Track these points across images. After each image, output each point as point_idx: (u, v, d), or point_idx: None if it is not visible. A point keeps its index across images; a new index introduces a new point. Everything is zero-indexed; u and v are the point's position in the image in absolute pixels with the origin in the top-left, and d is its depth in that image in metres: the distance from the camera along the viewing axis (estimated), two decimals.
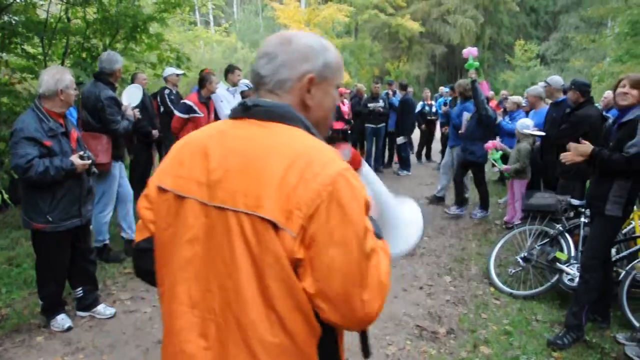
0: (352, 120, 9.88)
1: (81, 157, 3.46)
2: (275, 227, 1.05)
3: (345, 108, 9.79)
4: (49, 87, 3.42)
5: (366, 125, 9.90)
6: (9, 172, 5.32)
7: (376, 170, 10.33)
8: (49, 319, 3.59)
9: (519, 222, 5.48)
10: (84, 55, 7.79)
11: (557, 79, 5.93)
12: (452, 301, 4.34)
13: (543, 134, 5.97)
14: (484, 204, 7.07)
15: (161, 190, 1.22)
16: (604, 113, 5.64)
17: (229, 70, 6.80)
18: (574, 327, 3.57)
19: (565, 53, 28.28)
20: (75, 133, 3.64)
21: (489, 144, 6.50)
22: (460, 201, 7.19)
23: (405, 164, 10.27)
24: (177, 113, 6.11)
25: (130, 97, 5.16)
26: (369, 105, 9.71)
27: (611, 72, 15.94)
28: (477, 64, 6.53)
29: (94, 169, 3.68)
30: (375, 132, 9.89)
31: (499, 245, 5.00)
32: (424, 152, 12.08)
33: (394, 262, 5.17)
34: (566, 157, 3.58)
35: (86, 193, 3.61)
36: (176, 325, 1.18)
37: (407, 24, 30.16)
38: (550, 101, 6.22)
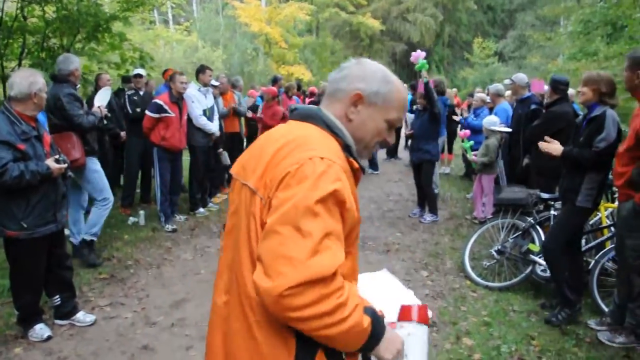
0: None
1: (57, 161, 3.37)
2: (254, 193, 1.30)
3: None
4: (21, 90, 3.31)
5: None
6: None
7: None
8: (26, 329, 3.47)
9: (491, 216, 5.63)
10: (43, 55, 7.53)
11: (521, 77, 6.11)
12: (431, 295, 4.43)
13: (509, 130, 6.16)
14: (433, 207, 6.84)
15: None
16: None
17: (200, 70, 6.74)
18: (565, 304, 3.80)
19: (522, 50, 29.10)
20: (48, 136, 3.56)
21: (462, 133, 6.77)
22: (433, 207, 6.87)
23: (373, 163, 10.37)
24: (148, 113, 6.01)
25: (101, 99, 5.11)
26: None
27: (567, 70, 16.51)
28: (426, 65, 6.56)
29: (70, 173, 3.61)
30: None
31: (472, 239, 5.12)
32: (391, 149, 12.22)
33: (371, 259, 5.24)
34: (543, 147, 3.77)
35: (61, 198, 3.50)
36: (217, 283, 1.45)
37: (368, 22, 30.37)
38: (513, 98, 6.41)
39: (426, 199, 6.89)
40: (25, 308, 3.47)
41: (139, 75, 7.06)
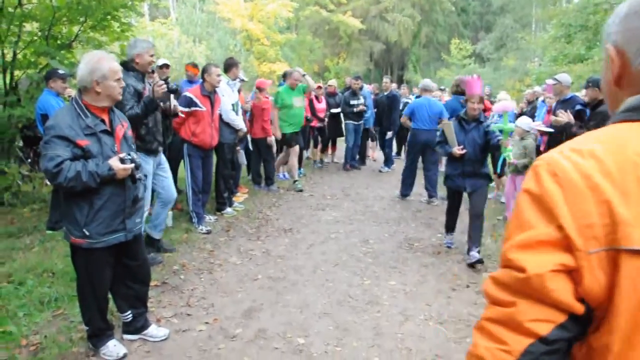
0: (325, 118, 9.69)
1: (122, 160, 2.90)
2: None
3: (322, 105, 9.53)
4: (83, 78, 2.89)
5: (346, 122, 9.73)
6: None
7: (354, 167, 10.19)
8: (97, 346, 3.07)
9: None
10: (46, 43, 6.98)
11: (565, 77, 6.01)
12: None
13: (552, 130, 6.04)
14: (477, 239, 5.16)
15: (633, 252, 0.83)
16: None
17: (233, 63, 6.37)
18: None
19: (500, 52, 29.59)
20: (121, 130, 3.09)
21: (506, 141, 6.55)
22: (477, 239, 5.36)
23: (388, 160, 10.19)
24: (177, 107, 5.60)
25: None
26: (351, 102, 9.51)
27: (548, 73, 16.79)
28: None
29: (140, 175, 3.07)
30: (356, 129, 9.74)
31: None
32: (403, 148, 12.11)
33: (425, 262, 5.02)
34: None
35: (131, 203, 3.03)
36: None
37: (348, 20, 30.27)
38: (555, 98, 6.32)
39: (473, 229, 5.10)
40: (94, 323, 3.08)
41: (166, 66, 6.62)
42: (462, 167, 5.12)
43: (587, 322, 0.88)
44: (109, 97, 2.97)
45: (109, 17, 7.48)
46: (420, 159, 7.86)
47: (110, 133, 2.99)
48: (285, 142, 8.12)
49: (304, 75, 7.99)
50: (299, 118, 8.07)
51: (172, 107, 4.77)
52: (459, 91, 7.67)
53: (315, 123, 9.79)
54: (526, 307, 0.87)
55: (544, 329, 0.85)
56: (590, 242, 0.83)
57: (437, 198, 7.64)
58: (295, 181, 8.27)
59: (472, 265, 4.93)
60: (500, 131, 5.09)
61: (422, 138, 7.51)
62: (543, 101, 8.36)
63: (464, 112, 5.20)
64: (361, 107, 9.43)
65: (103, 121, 2.96)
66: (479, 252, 4.99)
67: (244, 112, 7.08)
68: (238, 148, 6.97)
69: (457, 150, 5.02)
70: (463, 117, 5.18)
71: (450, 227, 5.66)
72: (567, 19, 18.59)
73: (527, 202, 0.91)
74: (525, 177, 0.95)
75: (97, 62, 2.91)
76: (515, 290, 0.89)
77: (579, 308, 0.85)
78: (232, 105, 6.29)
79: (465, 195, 5.32)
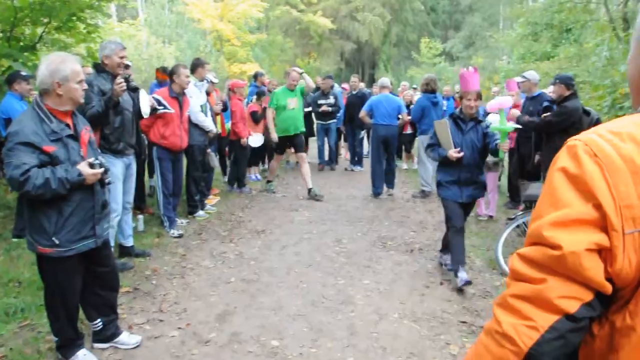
0: None
1: (91, 165, 2.82)
2: None
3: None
4: (43, 80, 2.79)
5: (316, 122, 9.74)
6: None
7: (329, 166, 10.20)
8: (67, 356, 2.99)
9: (520, 212, 5.58)
10: (7, 45, 6.78)
11: (533, 74, 6.16)
12: (479, 294, 4.29)
13: (519, 127, 6.15)
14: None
15: None
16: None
17: (199, 64, 6.29)
18: None
19: (469, 50, 30.04)
20: (86, 135, 3.01)
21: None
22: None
23: (359, 160, 10.23)
24: None
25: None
26: (319, 102, 9.53)
27: (516, 71, 17.12)
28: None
29: (109, 179, 3.02)
30: (325, 129, 9.75)
31: (503, 236, 5.02)
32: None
33: (398, 259, 5.05)
34: None
35: (100, 208, 2.97)
36: None
37: (319, 20, 30.28)
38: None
39: (454, 245, 4.44)
40: (63, 333, 3.00)
41: (126, 66, 6.48)
42: (457, 174, 4.42)
43: (610, 302, 0.90)
44: (71, 100, 2.88)
45: (74, 18, 7.32)
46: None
47: (76, 138, 2.91)
48: (276, 146, 7.94)
49: (301, 73, 7.71)
50: (293, 121, 7.65)
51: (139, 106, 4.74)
52: (428, 89, 7.77)
53: None
54: (556, 284, 0.88)
55: (572, 306, 0.87)
56: (628, 223, 0.86)
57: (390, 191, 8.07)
58: (268, 181, 8.20)
59: (461, 290, 4.27)
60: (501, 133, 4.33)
61: (382, 133, 7.75)
62: None
63: (459, 110, 4.51)
64: (324, 108, 9.46)
65: (68, 125, 2.88)
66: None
67: (215, 113, 7.01)
68: (209, 150, 6.88)
69: (454, 153, 4.31)
70: (459, 115, 4.46)
71: (446, 245, 4.77)
72: (534, 17, 19.02)
73: (563, 181, 0.92)
74: (559, 156, 0.96)
75: (59, 63, 2.82)
76: (547, 267, 0.90)
77: (608, 287, 0.87)
78: (201, 106, 6.22)
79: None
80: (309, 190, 7.69)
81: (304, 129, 7.96)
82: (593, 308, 0.88)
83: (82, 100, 2.97)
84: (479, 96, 4.39)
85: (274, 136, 7.65)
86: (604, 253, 0.87)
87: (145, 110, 4.84)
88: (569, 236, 0.88)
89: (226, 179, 8.44)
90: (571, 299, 0.87)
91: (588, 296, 0.87)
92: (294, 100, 7.63)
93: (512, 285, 0.95)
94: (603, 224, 0.86)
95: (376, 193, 7.95)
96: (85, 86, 2.97)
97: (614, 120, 0.98)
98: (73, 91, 2.85)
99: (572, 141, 0.95)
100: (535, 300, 0.89)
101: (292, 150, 10.41)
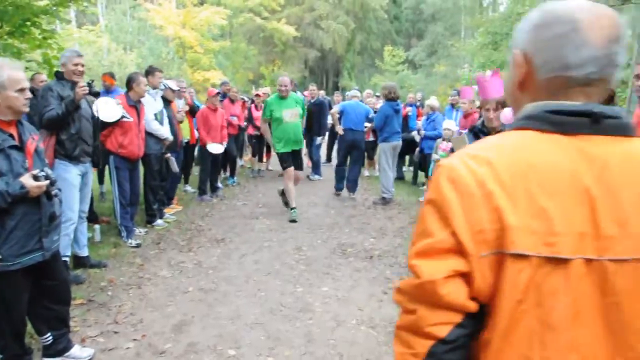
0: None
1: (35, 178, 2.72)
2: None
3: (259, 113, 9.50)
4: None
5: None
6: None
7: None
8: None
9: None
10: None
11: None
12: None
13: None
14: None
15: (515, 256, 0.88)
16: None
17: (150, 72, 6.25)
18: None
19: (432, 59, 30.65)
20: (32, 145, 2.89)
21: (443, 146, 7.01)
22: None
23: (317, 168, 10.27)
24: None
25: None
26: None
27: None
28: None
29: (55, 191, 2.90)
30: None
31: None
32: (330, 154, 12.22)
33: (357, 266, 5.11)
34: None
35: (47, 221, 2.85)
36: None
37: (283, 28, 30.35)
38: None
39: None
40: (9, 350, 2.90)
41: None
42: None
43: (483, 318, 0.93)
44: (10, 109, 2.76)
45: (28, 23, 7.14)
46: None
47: (20, 148, 2.81)
48: (279, 160, 7.06)
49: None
50: (292, 134, 6.85)
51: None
52: (390, 97, 7.89)
53: (251, 130, 9.78)
54: (425, 312, 0.92)
55: (443, 331, 0.91)
56: (482, 247, 0.89)
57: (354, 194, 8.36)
58: (292, 209, 7.00)
59: None
60: None
61: (350, 137, 8.17)
62: (452, 106, 9.04)
63: (481, 122, 3.95)
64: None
65: (11, 136, 2.78)
66: None
67: (178, 122, 6.97)
68: (168, 155, 6.76)
69: None
70: (481, 129, 3.90)
71: None
72: (494, 27, 19.59)
73: (429, 209, 0.96)
74: (432, 179, 0.99)
75: None
76: (415, 297, 0.94)
77: (473, 307, 0.91)
78: (155, 114, 6.15)
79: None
80: (291, 209, 7.01)
81: (302, 145, 7.42)
82: (465, 327, 0.91)
83: (25, 109, 2.84)
84: (501, 105, 3.64)
85: (273, 146, 7.07)
86: (467, 276, 0.90)
87: (115, 115, 4.88)
88: (428, 265, 0.92)
89: (187, 187, 8.35)
90: (440, 325, 0.91)
91: (457, 318, 0.91)
92: (290, 112, 6.81)
93: (399, 316, 1.00)
94: (460, 249, 0.90)
95: (338, 188, 8.47)
96: (29, 95, 2.88)
97: (482, 140, 1.02)
98: (12, 99, 2.74)
99: (438, 167, 0.98)
100: (413, 329, 0.94)
101: (253, 157, 10.43)
